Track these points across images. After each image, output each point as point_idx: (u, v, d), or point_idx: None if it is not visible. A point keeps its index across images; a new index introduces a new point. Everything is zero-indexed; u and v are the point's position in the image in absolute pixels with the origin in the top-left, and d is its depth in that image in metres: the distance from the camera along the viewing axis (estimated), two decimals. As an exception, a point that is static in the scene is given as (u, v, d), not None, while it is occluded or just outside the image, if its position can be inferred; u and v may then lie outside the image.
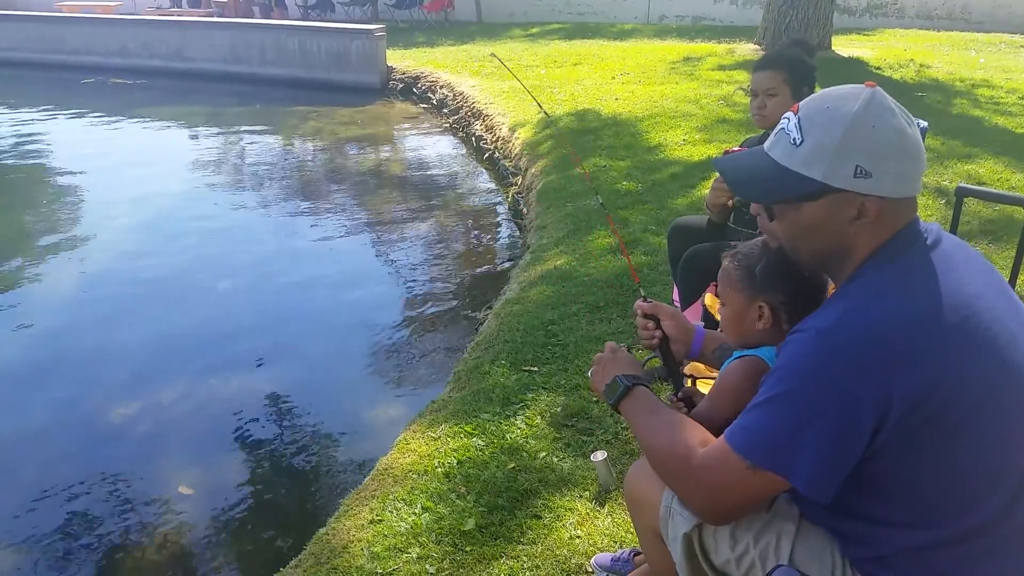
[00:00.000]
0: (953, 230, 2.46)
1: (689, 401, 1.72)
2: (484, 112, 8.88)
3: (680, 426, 1.41)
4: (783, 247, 1.40)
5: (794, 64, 2.82)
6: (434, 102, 10.50)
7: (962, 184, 2.55)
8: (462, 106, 9.59)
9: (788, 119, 1.33)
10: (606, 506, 2.42)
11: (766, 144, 1.38)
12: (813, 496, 1.23)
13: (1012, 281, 2.46)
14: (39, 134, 9.66)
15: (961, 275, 1.27)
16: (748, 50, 10.46)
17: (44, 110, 11.02)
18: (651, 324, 1.73)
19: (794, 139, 1.30)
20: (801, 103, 1.33)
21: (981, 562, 1.24)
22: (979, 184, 5.24)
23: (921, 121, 2.76)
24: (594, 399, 2.98)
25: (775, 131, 1.36)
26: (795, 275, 1.48)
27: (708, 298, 2.69)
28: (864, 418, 1.18)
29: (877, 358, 1.18)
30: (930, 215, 4.69)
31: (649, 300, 1.77)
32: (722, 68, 9.49)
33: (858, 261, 1.30)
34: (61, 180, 7.92)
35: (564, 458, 2.67)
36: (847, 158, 1.25)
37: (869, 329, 1.20)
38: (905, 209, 1.29)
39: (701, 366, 2.07)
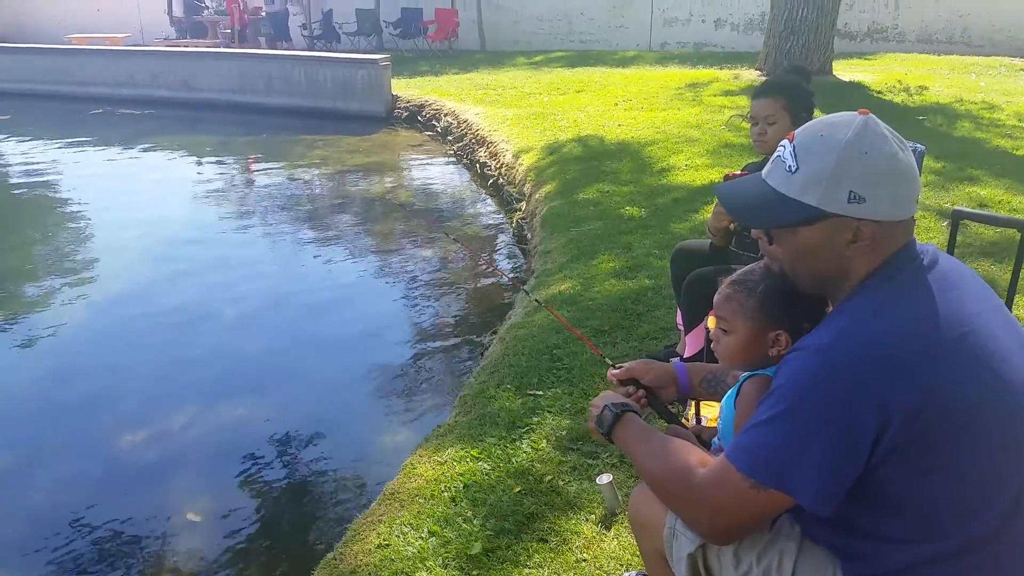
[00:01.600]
0: (950, 251, 2.49)
1: (699, 439, 1.74)
2: (488, 139, 8.96)
3: (677, 449, 1.43)
4: (783, 270, 1.43)
5: (793, 91, 2.86)
6: (439, 130, 10.60)
7: (957, 207, 2.58)
8: (467, 133, 9.68)
9: (784, 147, 1.37)
10: (612, 529, 2.43)
11: (763, 171, 1.42)
12: (817, 511, 1.25)
13: (1009, 300, 2.48)
14: (48, 164, 9.77)
15: (957, 294, 1.30)
16: (753, 76, 10.51)
17: (53, 141, 11.14)
18: (631, 388, 1.77)
19: (790, 167, 1.34)
20: (796, 131, 1.38)
21: (980, 574, 1.26)
22: (980, 206, 5.28)
23: (917, 144, 2.80)
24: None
25: (772, 159, 1.40)
26: (802, 299, 1.49)
27: (711, 321, 2.71)
28: (864, 432, 1.21)
29: (874, 373, 1.21)
30: (932, 237, 4.72)
31: (618, 365, 1.81)
32: (726, 94, 9.56)
33: (855, 282, 1.34)
34: (69, 210, 8.00)
35: (570, 481, 2.68)
36: (841, 184, 1.28)
37: (865, 345, 1.23)
38: (901, 231, 1.32)
39: None
